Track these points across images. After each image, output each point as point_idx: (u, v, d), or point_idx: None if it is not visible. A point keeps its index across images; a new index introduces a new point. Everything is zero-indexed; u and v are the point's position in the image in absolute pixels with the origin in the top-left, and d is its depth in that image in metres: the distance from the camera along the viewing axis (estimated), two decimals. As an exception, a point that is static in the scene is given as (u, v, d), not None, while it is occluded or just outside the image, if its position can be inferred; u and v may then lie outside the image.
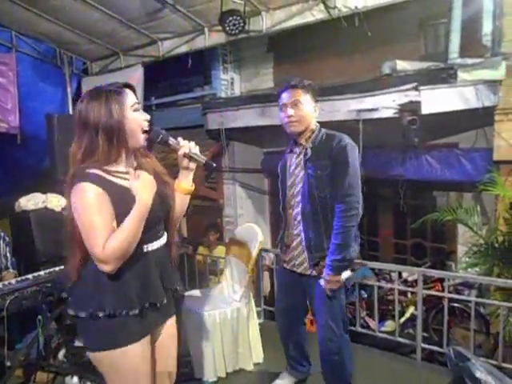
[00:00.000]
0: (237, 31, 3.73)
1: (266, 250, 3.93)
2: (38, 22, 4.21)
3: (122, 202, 1.38)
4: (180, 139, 1.54)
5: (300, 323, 2.44)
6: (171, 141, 1.52)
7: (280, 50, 5.21)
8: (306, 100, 2.05)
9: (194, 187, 1.62)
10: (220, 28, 3.87)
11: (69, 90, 5.08)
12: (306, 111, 2.06)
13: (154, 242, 1.50)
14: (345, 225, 1.96)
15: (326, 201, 2.02)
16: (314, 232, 2.07)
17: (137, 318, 1.45)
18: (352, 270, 2.05)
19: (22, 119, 4.36)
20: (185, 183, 1.59)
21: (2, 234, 3.02)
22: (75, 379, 2.66)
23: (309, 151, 2.06)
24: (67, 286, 1.55)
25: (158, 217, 1.51)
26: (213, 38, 4.14)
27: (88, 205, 1.34)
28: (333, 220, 2.01)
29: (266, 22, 3.79)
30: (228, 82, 5.44)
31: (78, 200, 1.36)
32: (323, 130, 2.11)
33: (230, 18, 3.67)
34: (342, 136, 2.04)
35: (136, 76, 4.62)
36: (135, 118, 1.41)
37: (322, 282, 2.03)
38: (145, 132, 1.45)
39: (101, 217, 1.35)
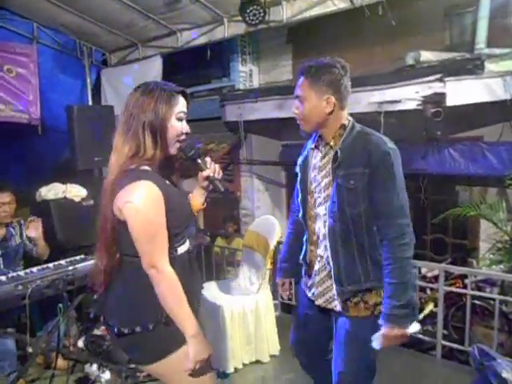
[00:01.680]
0: (257, 21, 3.67)
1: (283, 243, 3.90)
2: (58, 13, 4.23)
3: (173, 200, 1.37)
4: (208, 160, 1.53)
5: (324, 356, 1.88)
6: (200, 159, 1.51)
7: (299, 42, 5.13)
8: (309, 94, 1.60)
9: (205, 205, 1.62)
10: (239, 18, 3.82)
11: (88, 81, 5.11)
12: (310, 108, 1.61)
13: (190, 240, 1.51)
14: (400, 256, 1.52)
15: (361, 219, 1.58)
16: (344, 258, 1.61)
17: None
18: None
19: (42, 110, 4.41)
20: (199, 201, 1.60)
21: (22, 221, 3.08)
22: (94, 367, 2.70)
23: (339, 156, 1.60)
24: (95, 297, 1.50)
25: (192, 214, 1.53)
26: (232, 28, 4.09)
27: (155, 209, 1.31)
28: (369, 244, 1.59)
29: (287, 12, 3.72)
30: (246, 73, 5.40)
31: (142, 201, 1.29)
32: (357, 127, 1.65)
33: (251, 8, 3.62)
34: (381, 138, 1.60)
35: (155, 67, 4.62)
36: (176, 126, 1.40)
37: (376, 337, 1.55)
38: (179, 142, 1.44)
39: (164, 225, 1.33)
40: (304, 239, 1.81)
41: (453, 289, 3.37)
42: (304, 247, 1.81)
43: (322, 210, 1.67)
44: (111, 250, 1.39)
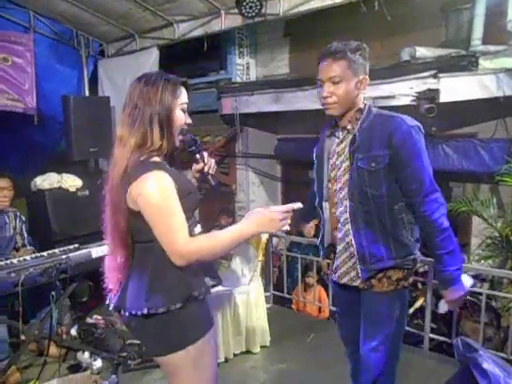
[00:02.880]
0: (253, 14, 3.67)
1: (276, 236, 3.94)
2: (55, 2, 4.21)
3: (186, 187, 1.39)
4: (206, 155, 1.55)
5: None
6: (199, 153, 1.53)
7: (297, 35, 5.12)
8: (347, 74, 1.59)
9: None
10: (236, 11, 3.82)
11: (85, 71, 5.08)
12: (347, 90, 1.60)
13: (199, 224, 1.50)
14: (443, 227, 1.58)
15: (383, 200, 1.61)
16: (367, 239, 1.65)
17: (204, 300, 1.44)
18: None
19: (38, 100, 4.40)
20: None
21: (18, 213, 3.10)
22: (86, 354, 2.74)
23: (358, 138, 1.62)
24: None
25: (199, 198, 1.51)
26: (229, 21, 4.08)
27: (168, 196, 1.30)
28: (391, 223, 1.62)
29: (284, 5, 3.71)
30: (243, 66, 5.38)
31: (156, 190, 1.28)
32: (374, 110, 1.66)
33: (247, 1, 3.61)
34: (402, 117, 1.61)
35: (151, 59, 4.61)
36: (180, 117, 1.41)
37: (443, 303, 1.71)
38: (181, 133, 1.45)
39: (179, 210, 1.31)
40: (321, 225, 1.85)
41: (442, 283, 3.41)
42: (321, 232, 1.86)
43: (342, 195, 1.69)
44: (127, 243, 1.38)
